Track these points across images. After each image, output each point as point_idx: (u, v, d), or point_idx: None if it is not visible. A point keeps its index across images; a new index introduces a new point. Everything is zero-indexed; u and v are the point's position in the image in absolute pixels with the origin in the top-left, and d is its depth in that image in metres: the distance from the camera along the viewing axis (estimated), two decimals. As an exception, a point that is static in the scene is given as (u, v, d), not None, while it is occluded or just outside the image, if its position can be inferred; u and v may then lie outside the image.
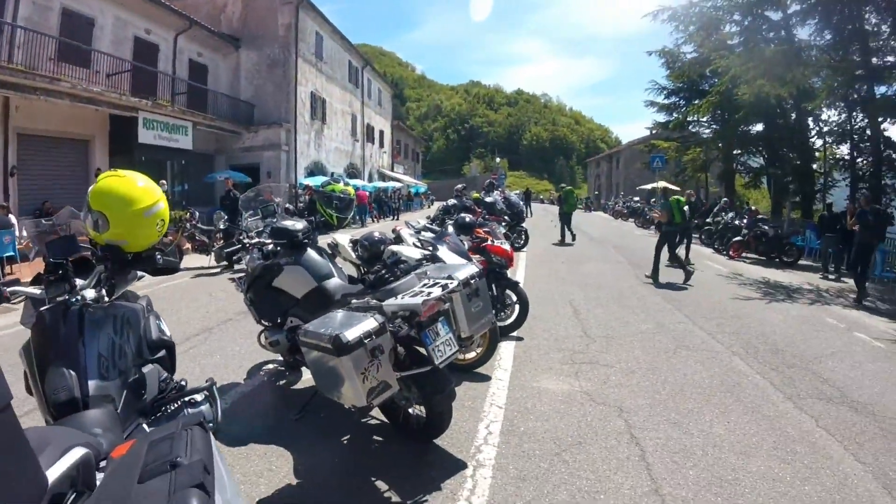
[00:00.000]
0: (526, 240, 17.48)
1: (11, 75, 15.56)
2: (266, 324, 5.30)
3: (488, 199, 14.82)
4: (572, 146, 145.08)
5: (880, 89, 19.84)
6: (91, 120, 19.79)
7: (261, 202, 5.94)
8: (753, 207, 23.68)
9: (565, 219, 20.97)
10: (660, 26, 29.51)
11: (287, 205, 15.41)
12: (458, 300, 4.08)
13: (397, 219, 33.65)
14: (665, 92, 34.02)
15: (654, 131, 39.82)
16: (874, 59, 19.03)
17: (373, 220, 32.37)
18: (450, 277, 4.13)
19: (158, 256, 2.77)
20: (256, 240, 5.20)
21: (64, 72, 17.71)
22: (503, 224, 13.65)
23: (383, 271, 4.53)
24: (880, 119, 20.41)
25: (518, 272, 12.60)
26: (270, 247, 5.12)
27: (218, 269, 13.24)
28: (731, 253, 18.71)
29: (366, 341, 3.39)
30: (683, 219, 13.50)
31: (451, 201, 11.80)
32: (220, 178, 24.03)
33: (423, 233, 7.24)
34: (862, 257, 12.57)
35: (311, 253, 5.02)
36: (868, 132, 21.83)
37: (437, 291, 3.84)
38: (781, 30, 24.70)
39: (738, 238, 19.02)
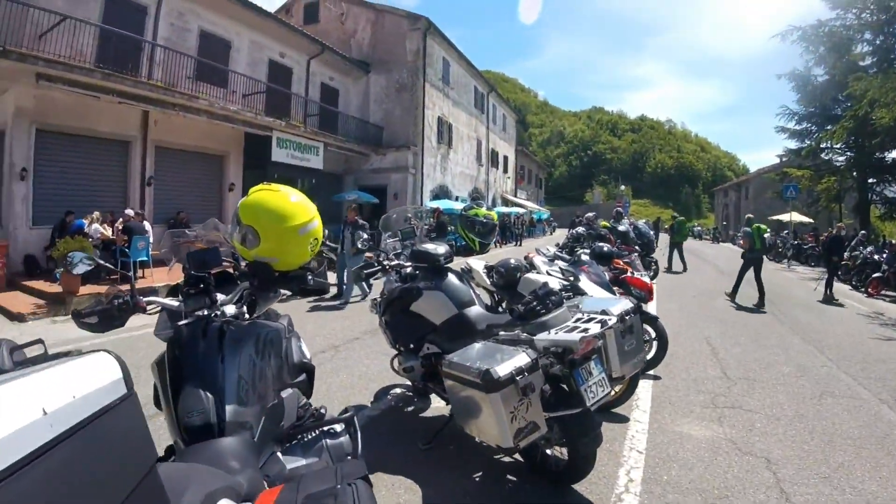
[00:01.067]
0: (656, 271, 16.78)
1: (151, 91, 16.45)
2: (401, 349, 5.12)
3: (621, 228, 14.20)
4: (698, 174, 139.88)
5: None
6: (227, 137, 20.76)
7: (402, 223, 5.85)
8: (894, 241, 22.25)
9: (677, 248, 21.53)
10: (789, 48, 28.19)
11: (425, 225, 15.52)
12: (612, 337, 3.78)
13: (520, 245, 33.54)
14: (796, 117, 31.66)
15: (784, 159, 37.58)
16: None
17: (496, 246, 32.23)
18: (605, 312, 3.83)
19: (309, 277, 2.63)
20: (395, 262, 5.07)
21: (202, 90, 18.70)
22: (635, 254, 13.14)
23: (534, 303, 4.20)
24: None
25: (650, 305, 11.94)
26: (409, 270, 4.98)
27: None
28: (869, 290, 17.32)
29: (517, 378, 3.17)
30: (763, 246, 14.01)
31: (580, 229, 11.32)
32: (349, 198, 24.70)
33: (556, 261, 6.93)
34: None
35: (452, 278, 4.84)
36: None
37: (594, 328, 3.54)
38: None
39: (877, 274, 17.67)
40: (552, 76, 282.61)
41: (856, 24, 24.48)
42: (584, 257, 7.18)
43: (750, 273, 13.95)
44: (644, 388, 6.50)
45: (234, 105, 19.80)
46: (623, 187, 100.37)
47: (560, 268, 6.30)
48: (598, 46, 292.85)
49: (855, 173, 29.19)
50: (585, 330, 3.49)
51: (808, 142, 30.99)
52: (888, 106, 18.17)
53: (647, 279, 7.30)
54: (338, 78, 28.66)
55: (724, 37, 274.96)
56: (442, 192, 32.65)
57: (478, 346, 3.58)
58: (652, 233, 18.26)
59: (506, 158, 49.22)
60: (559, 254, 7.53)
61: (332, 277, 13.73)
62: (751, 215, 15.68)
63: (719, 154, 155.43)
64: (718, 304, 13.41)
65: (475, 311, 4.59)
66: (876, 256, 18.85)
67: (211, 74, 19.64)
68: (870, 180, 28.98)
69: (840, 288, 18.09)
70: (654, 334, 6.87)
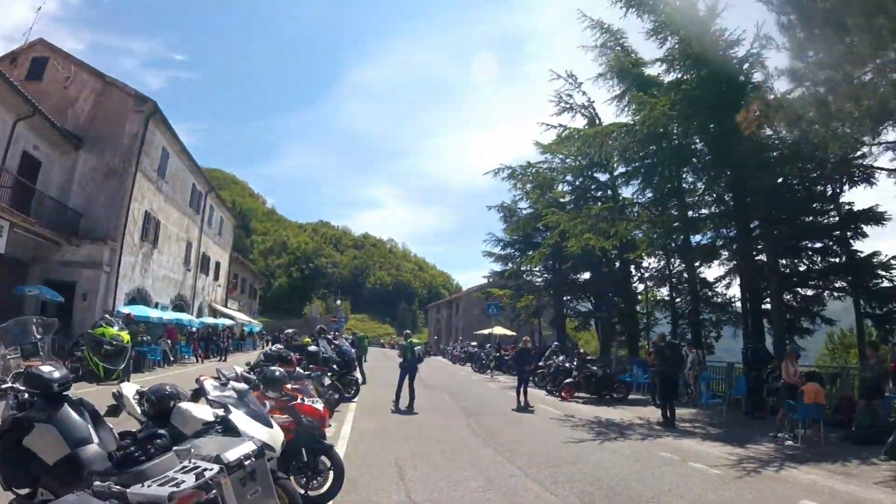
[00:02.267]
0: (356, 390, 16.56)
1: None
2: (16, 492, 4.16)
3: (311, 348, 13.67)
4: (415, 291, 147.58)
5: (695, 238, 22.14)
6: None
7: (23, 336, 4.85)
8: (582, 349, 24.83)
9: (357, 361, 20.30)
10: (500, 183, 32.12)
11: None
12: (229, 487, 3.14)
13: (225, 359, 31.07)
14: (501, 244, 36.41)
15: (490, 279, 41.57)
16: (690, 213, 21.22)
17: (198, 360, 29.83)
18: (218, 458, 3.19)
19: None
20: (9, 384, 4.30)
21: None
22: (328, 374, 12.75)
23: (132, 447, 3.73)
24: (696, 264, 22.69)
25: (344, 427, 11.45)
26: (27, 395, 4.23)
27: None
28: (563, 394, 18.79)
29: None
30: (413, 357, 15.67)
31: (276, 346, 10.73)
32: (30, 293, 21.56)
33: (231, 384, 5.87)
34: (666, 387, 14.10)
35: (68, 410, 4.16)
36: (685, 275, 23.82)
37: (190, 480, 2.88)
38: (608, 189, 27.47)
39: (569, 380, 19.24)
40: (285, 184, 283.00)
41: (559, 167, 28.63)
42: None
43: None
44: (319, 524, 6.05)
45: None
46: (339, 301, 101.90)
47: (212, 398, 5.44)
48: (335, 163, 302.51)
49: (552, 292, 33.63)
50: (181, 483, 2.85)
51: (511, 265, 35.48)
52: (576, 236, 20.78)
53: (319, 405, 6.92)
54: (44, 148, 24.88)
55: (449, 168, 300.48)
56: (140, 297, 29.00)
57: (71, 498, 2.79)
58: (353, 351, 18.24)
59: (218, 265, 46.18)
60: (245, 374, 6.89)
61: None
62: (408, 331, 17.25)
63: (435, 273, 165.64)
64: (417, 421, 13.19)
65: (90, 450, 3.97)
66: (567, 364, 20.54)
67: None
68: (564, 298, 33.81)
69: (537, 394, 19.60)
70: (328, 464, 6.45)
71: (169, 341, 26.89)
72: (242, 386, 6.22)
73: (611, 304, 30.35)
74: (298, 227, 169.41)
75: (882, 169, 15.38)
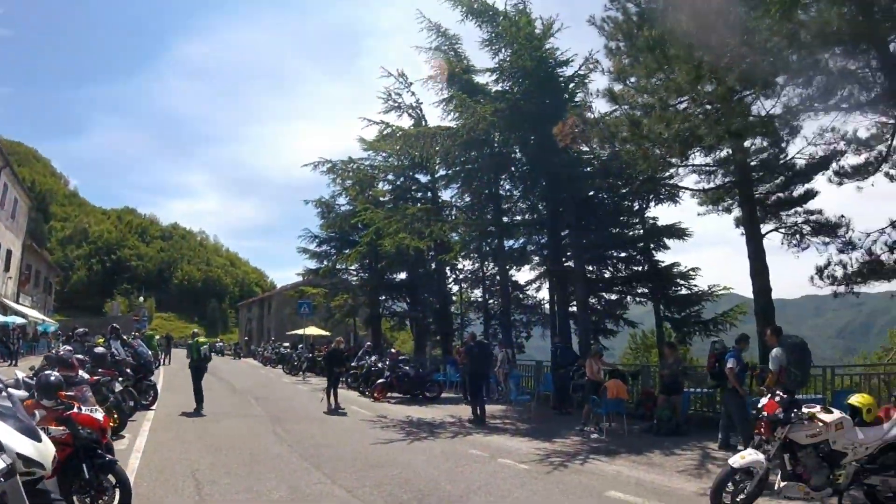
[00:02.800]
0: (154, 396, 15.16)
1: None
2: None
3: (98, 350, 11.99)
4: (226, 288, 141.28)
5: (509, 243, 23.02)
6: None
7: None
8: (395, 349, 24.88)
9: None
10: (320, 177, 31.12)
11: None
12: None
13: (16, 364, 27.03)
14: (318, 240, 35.67)
15: (305, 277, 40.37)
16: (505, 218, 22.03)
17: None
18: None
19: None
20: None
21: None
22: (119, 380, 11.56)
23: None
24: (508, 267, 23.71)
25: (139, 437, 10.54)
26: None
27: None
28: (375, 395, 18.60)
29: None
30: (200, 356, 15.23)
31: (66, 348, 9.48)
32: None
33: (8, 391, 4.97)
34: (475, 385, 14.63)
35: None
36: (498, 278, 24.73)
37: None
38: (428, 191, 27.84)
39: (381, 380, 19.04)
40: (91, 165, 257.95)
41: (381, 164, 28.43)
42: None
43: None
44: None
45: None
46: (143, 298, 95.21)
47: None
48: (148, 144, 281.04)
49: (368, 290, 33.19)
50: None
51: (327, 262, 34.87)
52: (391, 235, 21.02)
53: (98, 415, 6.07)
54: None
55: (270, 160, 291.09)
56: None
57: None
58: (150, 353, 16.90)
59: (9, 253, 40.01)
60: (28, 380, 6.03)
61: None
62: (196, 330, 16.98)
63: (248, 269, 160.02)
64: (220, 429, 12.38)
65: None
66: (380, 364, 20.30)
67: None
68: (381, 297, 33.59)
69: (349, 395, 19.25)
70: (114, 481, 5.83)
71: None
72: (22, 394, 5.45)
73: (426, 305, 30.78)
74: (102, 214, 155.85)
75: (686, 188, 17.37)
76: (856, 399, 6.77)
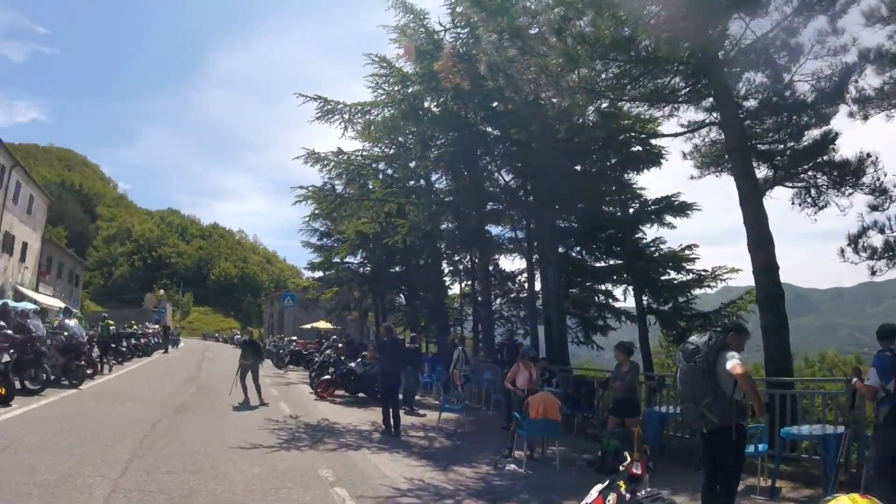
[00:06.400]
0: (82, 376, 15.10)
1: None
2: None
3: None
4: (262, 284, 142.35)
5: (496, 230, 22.45)
6: None
7: None
8: (340, 343, 22.76)
9: None
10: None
11: None
12: None
13: None
14: (318, 233, 34.15)
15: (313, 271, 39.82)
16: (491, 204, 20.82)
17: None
18: None
19: None
20: None
21: None
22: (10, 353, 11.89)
23: None
24: (491, 255, 22.83)
25: (23, 409, 10.68)
26: None
27: None
28: (319, 393, 16.88)
29: None
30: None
31: None
32: None
33: None
34: (386, 386, 12.03)
35: None
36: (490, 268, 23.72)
37: None
38: (421, 178, 26.61)
39: (326, 376, 17.09)
40: (139, 170, 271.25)
41: (373, 154, 27.23)
42: None
43: None
44: None
45: None
46: (162, 291, 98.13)
47: None
48: (193, 150, 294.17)
49: (363, 283, 32.33)
50: None
51: (326, 255, 33.64)
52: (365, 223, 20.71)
53: None
54: None
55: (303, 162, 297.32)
56: None
57: None
58: (84, 336, 16.34)
59: (25, 245, 41.97)
60: None
61: None
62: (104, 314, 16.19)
63: (284, 266, 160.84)
64: (105, 412, 11.88)
65: None
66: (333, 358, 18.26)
67: None
68: (380, 290, 32.48)
69: (303, 391, 18.48)
70: None
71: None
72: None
73: (422, 298, 29.63)
74: (146, 214, 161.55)
75: (664, 136, 15.14)
76: None
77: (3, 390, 10.95)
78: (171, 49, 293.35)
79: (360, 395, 16.54)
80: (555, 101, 12.86)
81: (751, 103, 12.48)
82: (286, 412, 13.72)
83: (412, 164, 25.53)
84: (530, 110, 14.79)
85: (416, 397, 16.46)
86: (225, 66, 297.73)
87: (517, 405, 9.94)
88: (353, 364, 16.88)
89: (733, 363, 5.30)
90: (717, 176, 13.99)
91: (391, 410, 11.48)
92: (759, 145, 12.68)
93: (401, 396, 13.41)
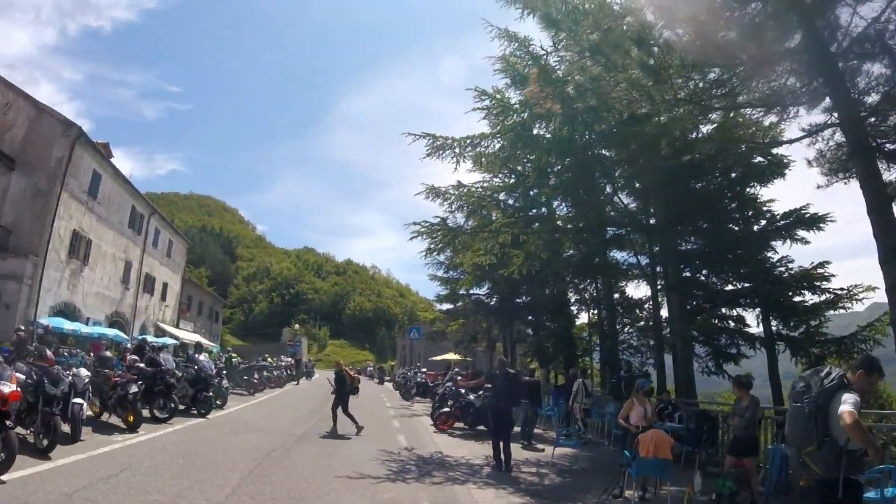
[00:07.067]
0: (209, 407, 16.07)
1: None
2: None
3: (104, 354, 15.55)
4: (395, 317, 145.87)
5: (621, 255, 21.94)
6: None
7: None
8: (464, 374, 23.41)
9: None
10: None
11: None
12: None
13: None
14: (444, 266, 33.24)
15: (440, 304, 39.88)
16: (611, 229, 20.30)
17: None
18: None
19: None
20: None
21: None
22: (138, 383, 12.78)
23: None
24: (615, 281, 22.05)
25: (147, 435, 11.37)
26: None
27: None
28: (438, 425, 16.84)
29: None
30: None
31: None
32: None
33: None
34: (498, 422, 11.55)
35: None
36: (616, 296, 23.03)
37: None
38: (542, 207, 26.30)
39: (444, 409, 17.18)
40: (275, 212, 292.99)
41: (493, 185, 27.34)
42: None
43: None
44: None
45: None
46: (297, 325, 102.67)
47: None
48: (325, 191, 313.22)
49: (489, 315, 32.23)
50: None
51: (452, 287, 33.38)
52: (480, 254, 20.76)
53: (6, 388, 7.24)
54: (-21, 170, 25.32)
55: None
56: (69, 311, 29.16)
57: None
58: (213, 370, 17.34)
59: (165, 285, 46.09)
60: None
61: None
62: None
63: (416, 299, 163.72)
64: (226, 441, 12.17)
65: None
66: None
67: None
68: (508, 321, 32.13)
69: (423, 423, 18.47)
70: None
71: (92, 354, 26.39)
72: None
73: (548, 329, 29.15)
74: (283, 253, 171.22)
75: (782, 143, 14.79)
76: None
77: (132, 418, 11.91)
78: (298, 97, 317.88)
79: (480, 427, 16.18)
80: (657, 118, 12.35)
81: (872, 98, 11.26)
82: (402, 444, 13.87)
83: (532, 193, 25.37)
84: (628, 129, 14.18)
85: (538, 431, 16.05)
86: (349, 109, 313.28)
87: (630, 442, 9.29)
88: (472, 396, 16.68)
89: (844, 409, 4.43)
90: (845, 183, 12.89)
91: (501, 445, 11.17)
92: (886, 145, 11.62)
93: (517, 429, 13.15)
